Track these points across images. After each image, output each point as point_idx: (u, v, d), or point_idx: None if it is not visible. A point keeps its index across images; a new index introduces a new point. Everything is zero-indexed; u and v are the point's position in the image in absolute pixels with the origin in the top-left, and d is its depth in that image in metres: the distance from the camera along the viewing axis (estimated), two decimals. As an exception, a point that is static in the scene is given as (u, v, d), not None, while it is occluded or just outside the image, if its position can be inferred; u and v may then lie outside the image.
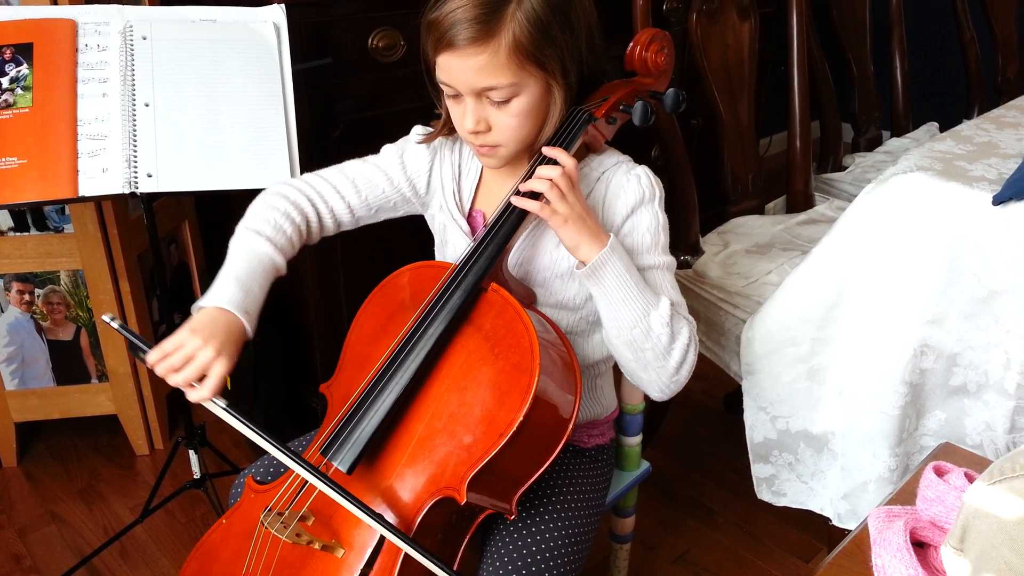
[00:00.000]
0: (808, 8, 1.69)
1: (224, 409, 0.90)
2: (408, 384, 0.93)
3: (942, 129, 2.15)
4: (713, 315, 1.41)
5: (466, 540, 0.97)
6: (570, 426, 0.94)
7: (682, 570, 1.61)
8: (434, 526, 0.93)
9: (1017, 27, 2.36)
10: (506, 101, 0.94)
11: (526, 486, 0.95)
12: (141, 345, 0.90)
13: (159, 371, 0.89)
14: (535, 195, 0.95)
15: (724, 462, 1.87)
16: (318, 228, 1.10)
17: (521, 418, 0.88)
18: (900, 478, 1.13)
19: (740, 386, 1.91)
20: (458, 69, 0.93)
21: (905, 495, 0.85)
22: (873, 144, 2.08)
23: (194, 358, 0.89)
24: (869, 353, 1.10)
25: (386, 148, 1.14)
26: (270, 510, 0.96)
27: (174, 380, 0.89)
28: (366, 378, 0.97)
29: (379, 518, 0.88)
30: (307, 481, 0.96)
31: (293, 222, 1.06)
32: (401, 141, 1.14)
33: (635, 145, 1.11)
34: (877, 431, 1.10)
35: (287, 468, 1.08)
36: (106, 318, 0.90)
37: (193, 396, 0.90)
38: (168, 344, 0.90)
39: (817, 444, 1.19)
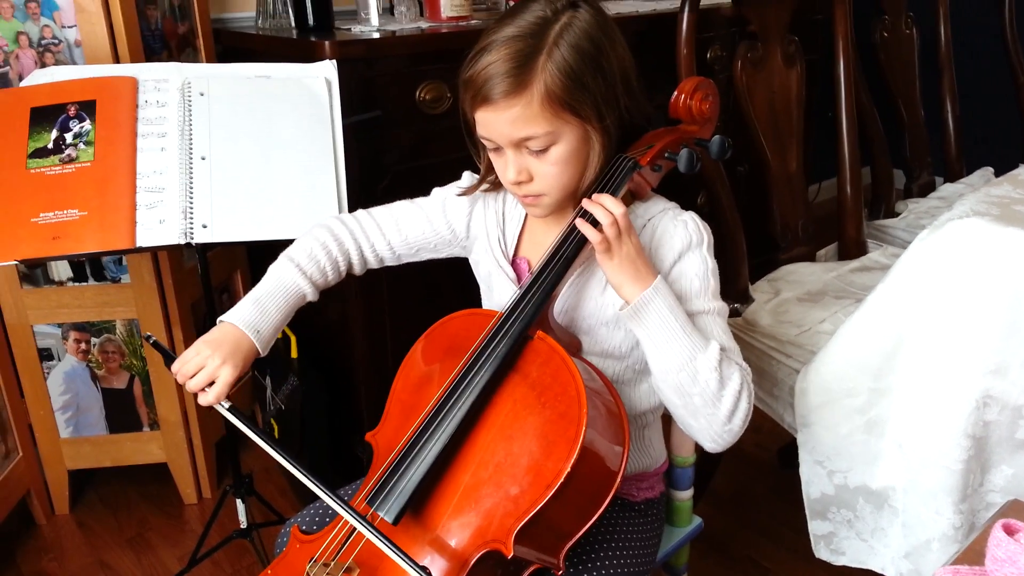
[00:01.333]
0: (855, 53, 1.68)
1: (228, 411, 0.99)
2: (454, 433, 0.92)
3: (997, 174, 2.10)
4: (765, 365, 1.37)
5: (513, 596, 0.95)
6: (618, 478, 0.92)
7: (737, 630, 1.55)
8: (480, 581, 0.91)
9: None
10: (544, 150, 0.95)
11: (573, 540, 0.93)
12: (169, 354, 1.04)
13: (178, 378, 1.00)
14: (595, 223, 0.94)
15: (779, 519, 1.81)
16: (359, 261, 1.16)
17: (568, 469, 0.86)
18: (965, 536, 1.08)
19: (795, 439, 1.87)
20: (495, 123, 0.95)
21: (972, 555, 0.81)
22: (926, 190, 2.04)
23: (204, 366, 0.99)
24: (929, 405, 1.06)
25: (435, 191, 1.17)
26: (315, 560, 0.95)
27: (189, 385, 0.99)
28: (412, 427, 0.96)
29: (425, 572, 0.86)
30: (352, 531, 0.95)
31: (330, 254, 1.12)
32: (450, 185, 1.17)
33: (681, 192, 1.11)
34: (940, 486, 1.06)
35: (332, 518, 1.08)
36: (144, 335, 1.02)
37: (202, 400, 0.99)
38: (186, 354, 1.01)
39: (877, 500, 1.14)
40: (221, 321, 1.04)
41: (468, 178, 1.15)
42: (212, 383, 0.99)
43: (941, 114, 2.07)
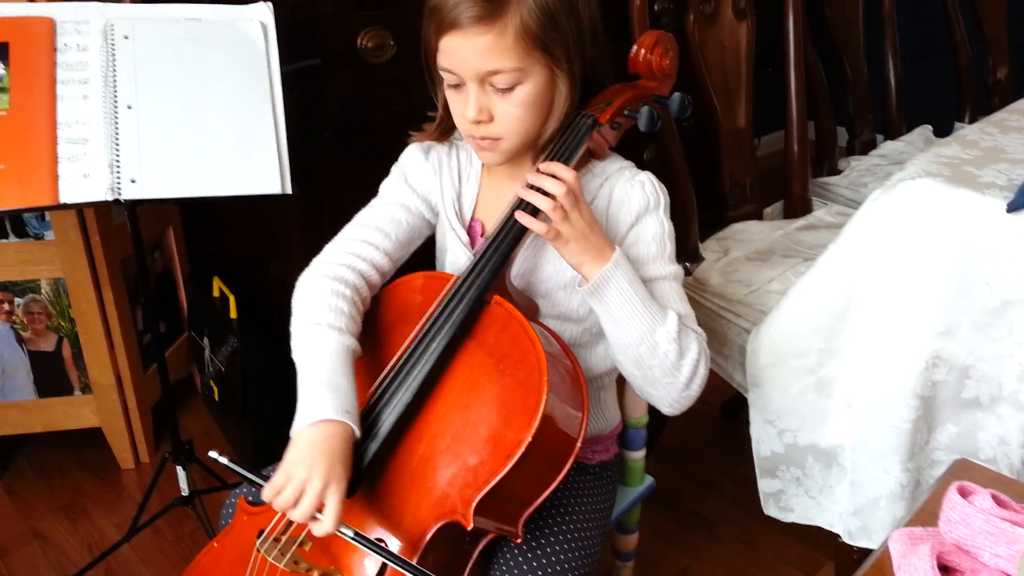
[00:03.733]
0: (803, 9, 1.66)
1: (353, 538, 0.84)
2: (410, 403, 0.90)
3: (936, 132, 2.14)
4: (715, 324, 1.38)
5: (470, 565, 0.94)
6: (578, 444, 0.91)
7: (684, 585, 1.59)
8: (438, 552, 0.89)
9: (1006, 29, 2.35)
10: (510, 88, 0.91)
11: (533, 508, 0.92)
12: (255, 479, 0.88)
13: (277, 508, 0.84)
14: (537, 210, 0.92)
15: (723, 472, 1.85)
16: (367, 288, 1.02)
17: (530, 439, 0.84)
18: (911, 494, 1.11)
19: (737, 394, 1.90)
20: (462, 51, 0.90)
21: (925, 516, 0.83)
22: (867, 147, 2.07)
23: (305, 492, 0.82)
24: (879, 365, 1.07)
25: (386, 183, 1.10)
26: (265, 536, 0.92)
27: (294, 516, 0.83)
28: (366, 396, 0.93)
29: (381, 546, 0.84)
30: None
31: (345, 297, 0.98)
32: (396, 167, 1.10)
33: (626, 148, 1.08)
34: (888, 445, 1.08)
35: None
36: (213, 454, 0.90)
37: (317, 531, 0.83)
38: (278, 479, 0.84)
39: (826, 459, 1.16)
40: (298, 431, 0.86)
41: (410, 152, 1.08)
42: (322, 507, 0.82)
43: (883, 72, 2.08)
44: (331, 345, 0.93)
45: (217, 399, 1.90)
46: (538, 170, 0.93)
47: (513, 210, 0.94)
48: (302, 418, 0.87)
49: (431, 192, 1.08)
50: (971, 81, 2.24)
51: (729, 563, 1.63)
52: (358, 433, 0.87)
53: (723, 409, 1.94)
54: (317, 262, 1.03)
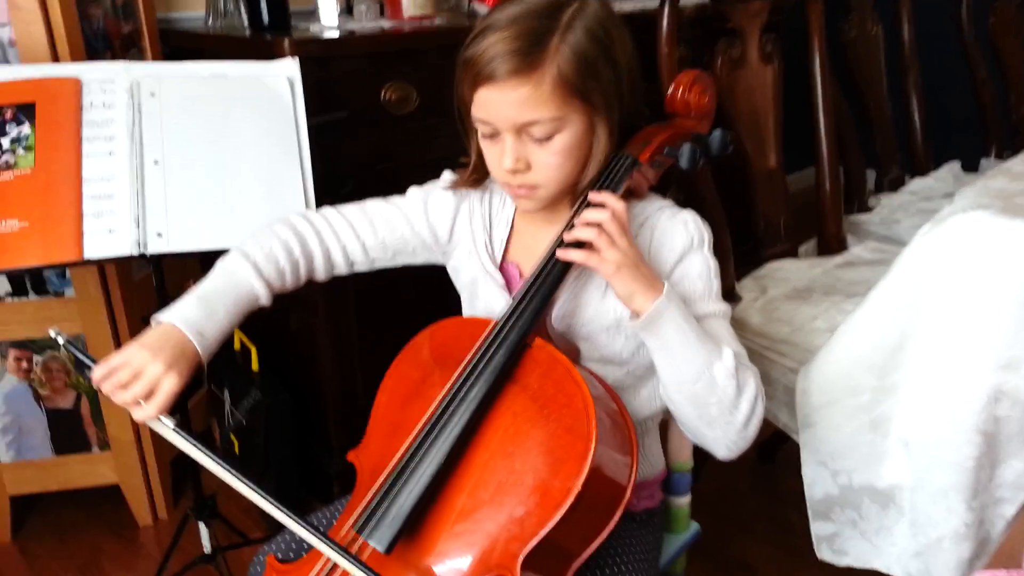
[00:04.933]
0: (828, 51, 1.66)
1: (174, 431, 0.84)
2: (450, 452, 0.85)
3: (964, 168, 2.13)
4: (758, 364, 1.32)
5: (518, 622, 0.88)
6: (628, 491, 0.87)
7: (730, 637, 1.51)
8: (485, 608, 0.84)
9: (1027, 66, 2.35)
10: (548, 137, 0.89)
11: (581, 560, 0.87)
12: (87, 361, 0.86)
13: (105, 388, 0.84)
14: (580, 245, 0.89)
15: (762, 516, 1.78)
16: (325, 265, 1.04)
17: (579, 487, 0.80)
18: (976, 533, 1.05)
19: (772, 435, 1.84)
20: (499, 104, 0.88)
21: (1004, 557, 0.78)
22: (895, 185, 2.05)
23: (142, 374, 0.84)
24: (938, 402, 1.03)
25: (412, 190, 1.08)
26: (300, 595, 0.87)
27: (121, 398, 0.84)
28: (402, 446, 0.89)
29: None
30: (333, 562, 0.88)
31: (291, 254, 1.00)
32: (428, 185, 1.08)
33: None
34: (950, 484, 1.03)
35: (312, 546, 1.00)
36: (51, 332, 0.86)
37: (139, 415, 0.84)
38: (115, 359, 0.85)
39: (883, 499, 1.11)
40: (158, 321, 0.89)
41: (449, 177, 1.07)
42: (151, 394, 0.83)
43: (907, 110, 2.08)
44: (239, 278, 0.96)
45: (237, 452, 1.86)
46: (589, 203, 0.90)
47: (554, 249, 0.91)
48: (167, 314, 0.89)
49: (442, 226, 1.06)
50: (996, 118, 2.23)
51: (775, 612, 1.56)
52: (203, 361, 0.89)
53: (760, 451, 1.88)
54: (299, 214, 1.05)
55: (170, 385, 0.84)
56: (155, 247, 1.27)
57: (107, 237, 1.26)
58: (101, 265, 1.63)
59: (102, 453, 1.80)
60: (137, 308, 1.72)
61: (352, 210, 1.06)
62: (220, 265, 0.98)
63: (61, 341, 0.85)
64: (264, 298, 0.98)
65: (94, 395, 1.74)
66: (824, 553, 1.20)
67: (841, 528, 1.17)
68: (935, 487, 1.04)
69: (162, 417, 0.84)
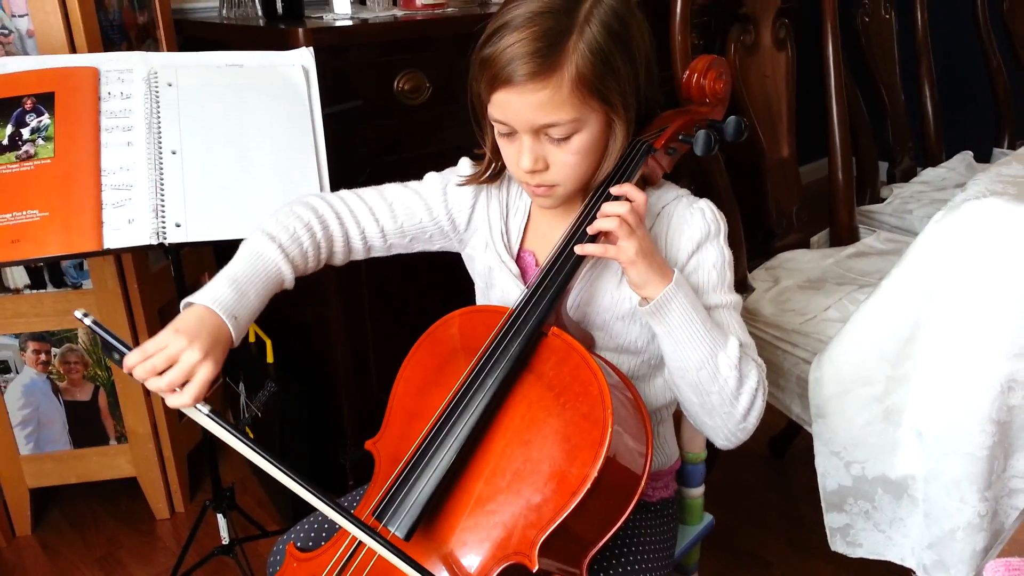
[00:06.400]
0: (841, 38, 1.65)
1: (208, 416, 0.82)
2: (467, 440, 0.86)
3: (977, 158, 2.11)
4: (770, 355, 1.34)
5: (535, 608, 0.89)
6: (644, 479, 0.87)
7: (742, 628, 1.52)
8: (503, 595, 0.85)
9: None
10: (566, 138, 0.89)
11: (597, 547, 0.88)
12: (118, 346, 0.82)
13: (138, 374, 0.81)
14: (594, 237, 0.89)
15: (775, 510, 1.78)
16: (344, 248, 1.02)
17: (596, 474, 0.80)
18: (990, 524, 1.05)
19: (785, 429, 1.84)
20: (516, 106, 0.87)
21: (1019, 545, 0.78)
22: (907, 175, 2.04)
23: (178, 360, 0.81)
24: (950, 391, 1.03)
25: (430, 176, 1.08)
26: (320, 582, 0.88)
27: (155, 384, 0.81)
28: (420, 435, 0.90)
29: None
30: (356, 546, 0.89)
31: (313, 236, 0.99)
32: (447, 171, 1.08)
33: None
34: (964, 474, 1.02)
35: (331, 533, 1.01)
36: (78, 314, 0.82)
37: (174, 401, 0.81)
38: (150, 345, 0.82)
39: (896, 490, 1.11)
40: (190, 303, 0.87)
41: (467, 165, 1.07)
42: (186, 381, 0.81)
43: (920, 99, 2.06)
44: (267, 260, 0.94)
45: (251, 436, 1.87)
46: (610, 195, 0.91)
47: (569, 238, 0.91)
48: (199, 296, 0.87)
49: (460, 213, 1.06)
50: (1009, 107, 2.21)
51: (789, 605, 1.56)
52: (235, 343, 0.87)
53: (771, 445, 1.88)
54: (318, 195, 1.03)
55: (207, 373, 0.82)
56: (174, 237, 1.28)
57: (126, 227, 1.27)
58: (118, 256, 1.64)
59: (120, 446, 1.81)
60: (154, 300, 1.73)
61: (371, 194, 1.05)
62: (246, 247, 0.96)
63: (88, 322, 0.82)
64: (289, 281, 0.97)
65: (112, 387, 1.76)
66: (837, 545, 1.20)
67: (854, 519, 1.16)
68: (948, 477, 1.04)
69: (198, 406, 0.82)
